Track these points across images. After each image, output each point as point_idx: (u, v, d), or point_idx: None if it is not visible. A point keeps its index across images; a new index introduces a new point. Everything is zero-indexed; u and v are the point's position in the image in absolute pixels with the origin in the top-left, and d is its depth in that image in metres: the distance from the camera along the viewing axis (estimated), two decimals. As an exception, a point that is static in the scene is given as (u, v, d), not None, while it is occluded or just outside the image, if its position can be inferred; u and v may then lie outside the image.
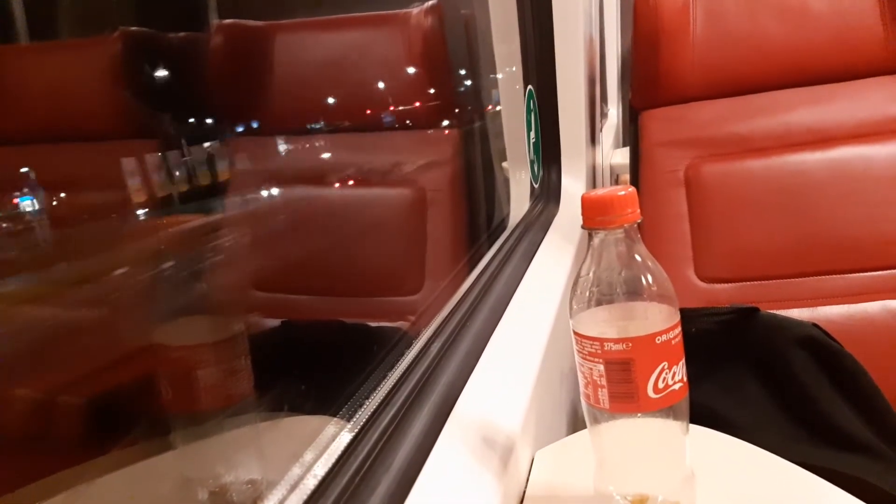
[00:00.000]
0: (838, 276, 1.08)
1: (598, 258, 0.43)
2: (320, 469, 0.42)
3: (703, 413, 0.52)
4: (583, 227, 0.43)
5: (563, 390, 0.74)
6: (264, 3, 1.18)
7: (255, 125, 1.15)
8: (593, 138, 1.42)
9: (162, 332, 0.53)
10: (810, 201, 1.12)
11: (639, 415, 0.43)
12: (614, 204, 0.42)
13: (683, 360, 0.43)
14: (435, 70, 1.27)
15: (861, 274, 1.07)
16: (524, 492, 0.53)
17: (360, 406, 0.49)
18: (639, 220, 0.43)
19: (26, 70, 0.70)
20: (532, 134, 1.21)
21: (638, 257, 0.43)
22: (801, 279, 1.09)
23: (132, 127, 0.84)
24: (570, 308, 0.44)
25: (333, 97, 1.23)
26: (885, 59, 1.18)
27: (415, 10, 1.25)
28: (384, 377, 0.54)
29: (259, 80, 1.21)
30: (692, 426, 0.46)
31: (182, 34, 0.94)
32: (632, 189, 0.43)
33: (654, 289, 0.43)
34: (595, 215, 0.42)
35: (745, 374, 0.85)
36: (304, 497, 0.40)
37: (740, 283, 1.12)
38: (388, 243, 1.24)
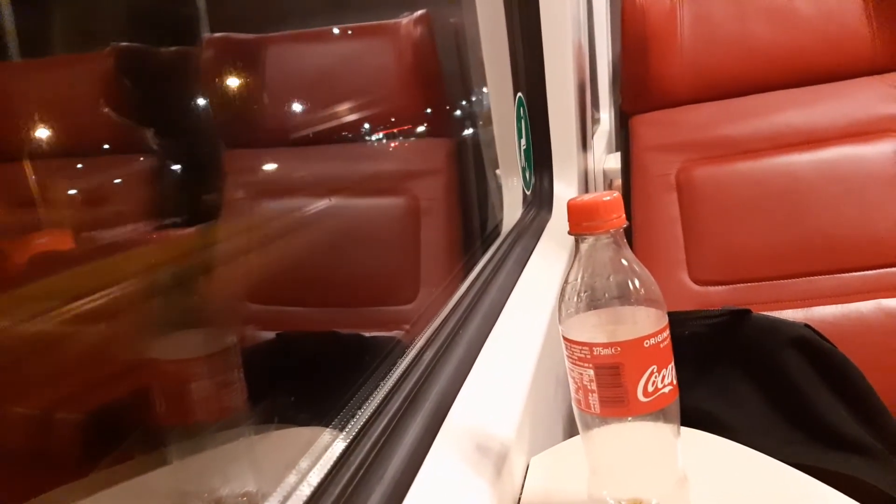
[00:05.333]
0: (830, 276, 1.09)
1: (585, 264, 0.44)
2: (314, 479, 0.42)
3: (697, 416, 0.52)
4: (570, 233, 0.44)
5: (558, 396, 0.74)
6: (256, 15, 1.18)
7: (247, 138, 1.15)
8: (584, 144, 1.42)
9: (156, 346, 0.53)
10: (801, 202, 1.13)
11: (629, 419, 0.43)
12: (600, 210, 0.42)
13: (673, 364, 0.43)
14: (426, 78, 1.27)
15: (853, 273, 1.08)
16: (519, 498, 0.53)
17: (353, 416, 0.49)
18: (625, 225, 0.43)
19: (17, 87, 0.71)
20: (523, 141, 1.21)
21: (625, 262, 0.43)
22: (793, 280, 1.10)
23: (124, 142, 0.84)
24: (559, 314, 0.45)
25: (325, 108, 1.23)
26: (872, 60, 1.19)
27: (405, 20, 1.26)
28: (377, 386, 0.55)
29: (250, 92, 1.21)
30: (685, 429, 0.46)
31: (174, 48, 0.94)
32: (617, 194, 0.43)
33: (642, 293, 0.43)
34: (581, 221, 0.43)
35: (738, 375, 0.85)
36: (298, 508, 0.40)
37: (733, 285, 1.13)
38: (383, 253, 1.24)
